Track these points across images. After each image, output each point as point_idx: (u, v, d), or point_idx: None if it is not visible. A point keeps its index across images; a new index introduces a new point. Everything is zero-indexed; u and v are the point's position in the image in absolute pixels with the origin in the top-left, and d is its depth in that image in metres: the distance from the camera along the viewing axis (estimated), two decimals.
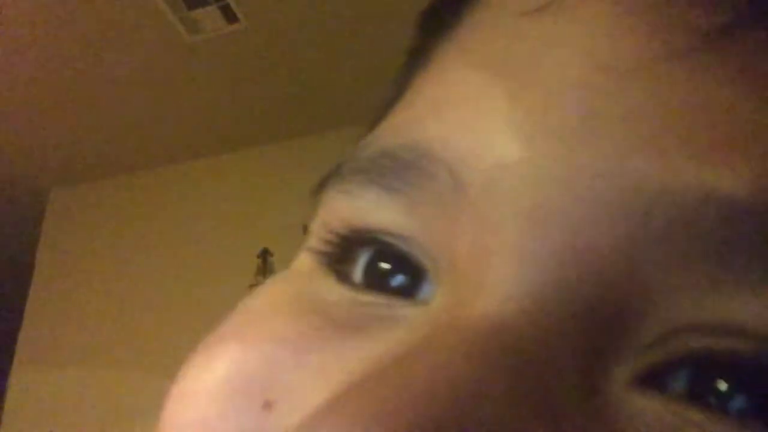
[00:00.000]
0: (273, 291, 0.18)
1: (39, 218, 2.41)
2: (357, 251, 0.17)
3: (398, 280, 0.16)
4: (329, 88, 2.04)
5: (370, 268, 0.16)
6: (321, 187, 0.18)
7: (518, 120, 0.14)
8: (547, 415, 0.12)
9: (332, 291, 0.17)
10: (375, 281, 0.16)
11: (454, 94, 0.16)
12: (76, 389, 2.08)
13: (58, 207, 2.43)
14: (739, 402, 0.12)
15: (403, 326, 0.15)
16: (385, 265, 0.16)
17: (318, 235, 0.18)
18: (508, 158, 0.14)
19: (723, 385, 0.13)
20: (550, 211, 0.13)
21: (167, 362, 2.05)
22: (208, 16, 1.84)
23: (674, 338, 0.13)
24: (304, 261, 0.18)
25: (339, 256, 0.17)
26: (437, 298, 0.15)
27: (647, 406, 0.13)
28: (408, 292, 0.16)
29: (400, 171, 0.15)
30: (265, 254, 2.11)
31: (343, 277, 0.17)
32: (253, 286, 2.05)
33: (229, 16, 1.83)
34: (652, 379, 0.13)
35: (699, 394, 0.13)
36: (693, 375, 0.13)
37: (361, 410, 0.12)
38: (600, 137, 0.13)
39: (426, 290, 0.16)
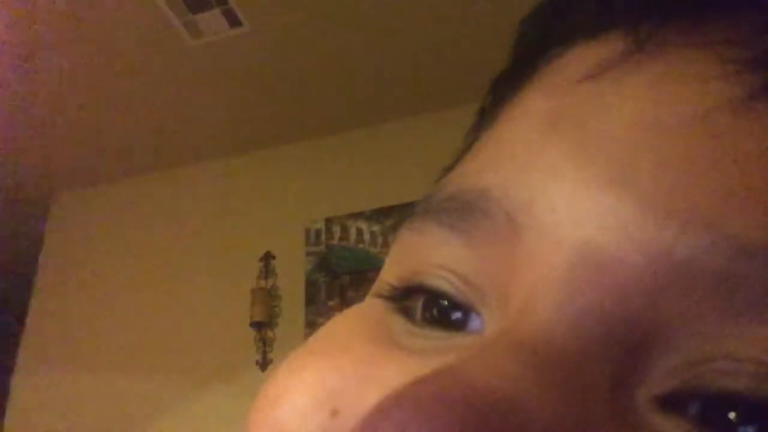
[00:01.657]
0: (352, 318, 0.21)
1: (43, 221, 2.42)
2: (412, 297, 0.20)
3: (455, 315, 0.19)
4: (331, 91, 2.05)
5: (428, 306, 0.19)
6: (397, 227, 0.21)
7: (567, 173, 0.17)
8: (581, 418, 0.14)
9: (398, 323, 0.19)
10: (434, 317, 0.19)
11: (514, 149, 0.18)
12: (79, 392, 2.08)
13: (62, 210, 2.43)
14: (748, 429, 0.14)
15: (460, 349, 0.17)
16: (443, 301, 0.19)
17: (379, 283, 0.21)
18: (556, 205, 0.17)
19: (732, 414, 0.14)
20: (589, 251, 0.16)
21: (170, 364, 2.04)
22: (211, 20, 1.84)
23: (694, 367, 0.15)
24: (375, 300, 0.21)
25: (399, 300, 0.20)
26: (488, 326, 0.17)
27: (666, 425, 0.15)
28: (462, 325, 0.18)
29: (462, 211, 0.18)
30: (267, 258, 2.12)
31: (408, 314, 0.19)
32: (255, 289, 2.05)
33: (232, 19, 1.83)
34: (673, 402, 0.15)
35: (712, 419, 0.15)
36: (707, 402, 0.15)
37: (414, 400, 0.13)
38: (632, 186, 0.16)
39: (477, 323, 0.18)
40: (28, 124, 2.12)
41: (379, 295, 0.20)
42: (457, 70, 1.93)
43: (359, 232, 2.06)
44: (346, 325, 0.20)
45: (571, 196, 0.16)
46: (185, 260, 2.18)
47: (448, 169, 0.22)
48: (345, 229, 2.08)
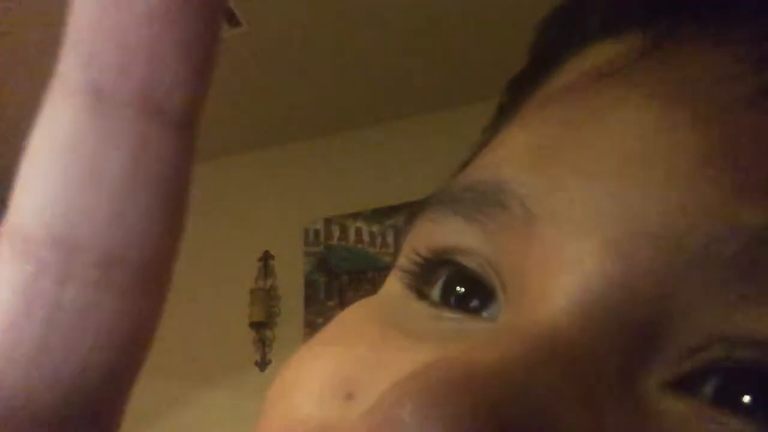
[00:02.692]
0: (366, 307, 0.21)
1: None
2: (436, 272, 0.20)
3: (471, 302, 0.19)
4: (330, 91, 2.05)
5: (446, 290, 0.20)
6: (413, 216, 0.21)
7: (582, 165, 0.17)
8: (591, 405, 0.14)
9: (414, 309, 0.20)
10: (450, 301, 0.19)
11: (531, 143, 0.19)
12: None
13: None
14: (763, 409, 0.15)
15: (472, 336, 0.17)
16: (460, 288, 0.19)
17: (405, 256, 0.21)
18: (572, 196, 0.17)
19: (747, 396, 0.15)
20: (602, 240, 0.16)
21: (169, 365, 2.04)
22: None
23: (704, 350, 0.15)
24: (393, 284, 0.21)
25: (421, 277, 0.20)
26: (503, 314, 0.18)
27: (678, 407, 0.15)
28: (478, 311, 0.19)
29: (479, 202, 0.18)
30: (266, 258, 2.12)
31: (424, 296, 0.20)
32: (254, 290, 2.05)
33: (232, 19, 1.83)
34: (684, 384, 0.15)
35: (726, 399, 0.15)
36: (721, 382, 0.15)
37: (435, 381, 0.14)
38: (646, 179, 0.16)
39: (494, 310, 0.18)
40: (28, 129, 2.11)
41: (401, 269, 0.21)
42: (457, 72, 1.93)
43: (358, 231, 2.06)
44: (360, 313, 0.21)
45: (586, 189, 0.17)
46: (183, 260, 2.17)
47: (465, 164, 0.22)
48: (344, 229, 2.08)
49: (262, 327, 2.03)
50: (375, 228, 2.04)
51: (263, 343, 2.03)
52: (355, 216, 2.07)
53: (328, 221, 2.09)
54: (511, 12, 1.72)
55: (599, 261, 0.16)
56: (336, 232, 2.08)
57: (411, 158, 2.00)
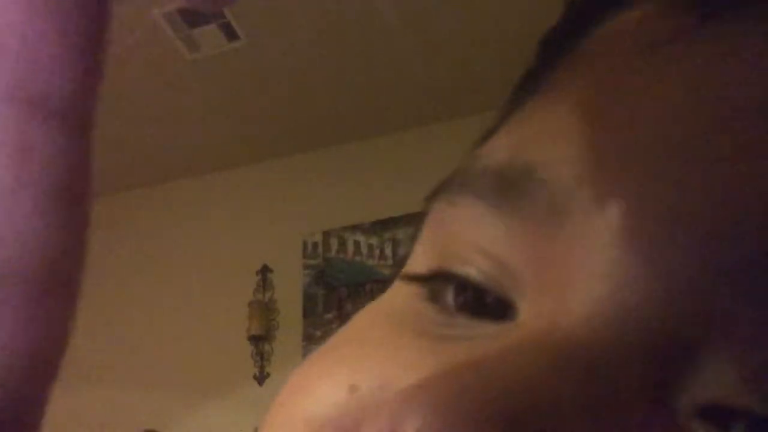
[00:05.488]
0: (375, 310, 0.20)
1: None
2: (446, 283, 0.18)
3: (489, 298, 0.17)
4: (328, 104, 2.05)
5: (460, 289, 0.18)
6: (432, 195, 0.20)
7: (621, 155, 0.15)
8: (613, 425, 0.13)
9: (425, 309, 0.18)
10: (467, 302, 0.18)
11: (563, 123, 0.17)
12: (74, 407, 2.07)
13: None
14: None
15: (491, 338, 0.16)
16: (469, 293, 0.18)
17: (411, 263, 0.20)
18: (607, 190, 0.15)
19: None
20: (638, 244, 0.14)
21: (167, 379, 2.02)
22: (209, 34, 1.85)
23: (737, 382, 0.14)
24: (402, 285, 0.20)
25: (431, 285, 0.19)
26: (522, 314, 0.16)
27: None
28: (495, 313, 0.17)
29: (503, 188, 0.17)
30: (264, 271, 2.11)
31: (437, 299, 0.18)
32: (252, 303, 2.04)
33: (230, 33, 1.84)
34: (716, 415, 0.14)
35: None
36: (752, 422, 0.14)
37: (444, 394, 0.13)
38: (688, 178, 0.14)
39: (510, 313, 0.17)
40: None
41: (407, 277, 0.19)
42: (455, 84, 1.94)
43: (357, 244, 2.06)
44: (369, 317, 0.20)
45: (624, 183, 0.15)
46: (182, 274, 2.17)
47: (488, 135, 0.20)
48: (342, 242, 2.08)
49: (261, 340, 2.02)
50: (373, 240, 2.04)
51: (262, 357, 2.02)
52: (354, 229, 2.07)
53: (326, 234, 2.09)
54: (504, 24, 1.73)
55: (631, 270, 0.14)
56: (334, 245, 2.08)
57: (409, 170, 2.00)
